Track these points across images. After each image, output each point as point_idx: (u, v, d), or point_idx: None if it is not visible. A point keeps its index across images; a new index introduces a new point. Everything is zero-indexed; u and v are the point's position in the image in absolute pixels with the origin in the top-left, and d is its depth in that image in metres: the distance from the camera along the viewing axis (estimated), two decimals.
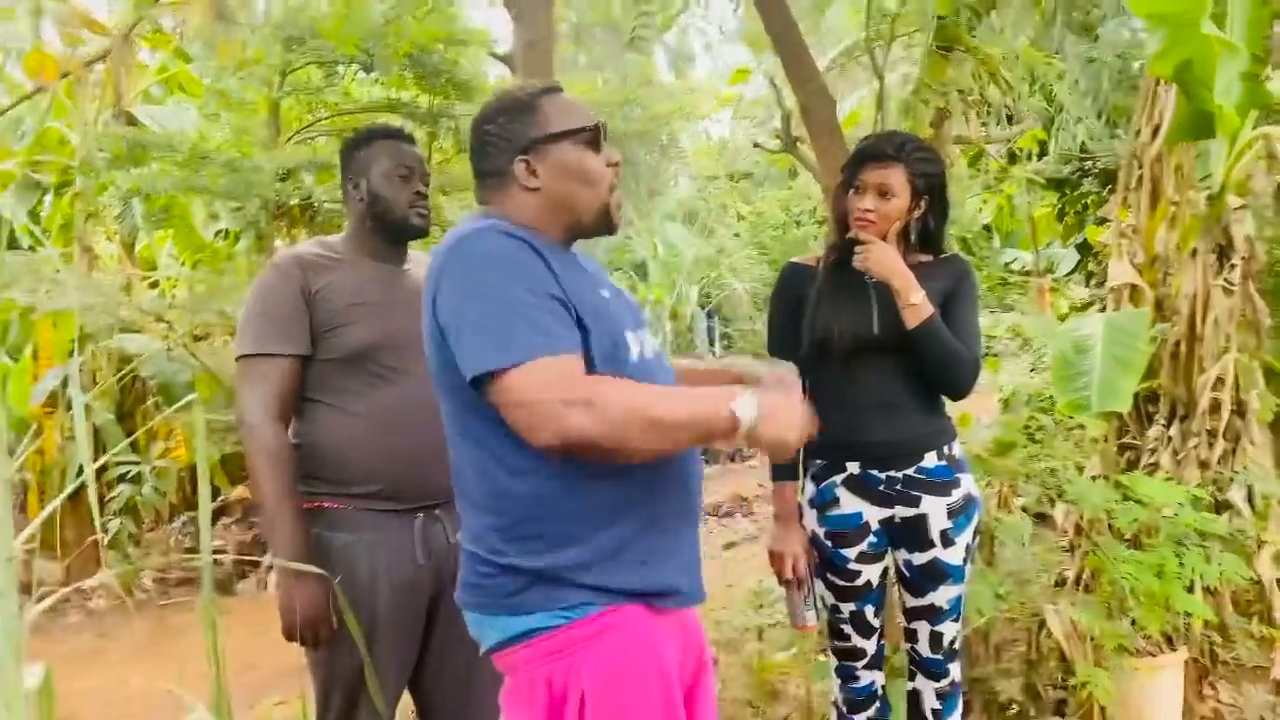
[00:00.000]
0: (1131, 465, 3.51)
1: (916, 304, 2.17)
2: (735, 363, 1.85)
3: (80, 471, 7.22)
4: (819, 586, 2.37)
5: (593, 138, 1.67)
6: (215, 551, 7.35)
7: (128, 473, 6.79)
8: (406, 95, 7.12)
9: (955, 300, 2.28)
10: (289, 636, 2.08)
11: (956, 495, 2.29)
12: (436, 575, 2.17)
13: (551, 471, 1.53)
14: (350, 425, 2.12)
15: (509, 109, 1.67)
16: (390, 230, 2.24)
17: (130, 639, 5.86)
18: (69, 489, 1.90)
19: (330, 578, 2.00)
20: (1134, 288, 3.63)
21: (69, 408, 7.49)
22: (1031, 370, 5.40)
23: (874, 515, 2.30)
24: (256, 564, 6.77)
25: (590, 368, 1.51)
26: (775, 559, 2.34)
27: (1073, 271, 8.07)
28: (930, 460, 2.28)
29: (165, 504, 7.55)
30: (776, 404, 1.51)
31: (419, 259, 2.37)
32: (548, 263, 1.53)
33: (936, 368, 2.22)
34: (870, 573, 2.33)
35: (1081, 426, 3.58)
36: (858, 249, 2.22)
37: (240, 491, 7.32)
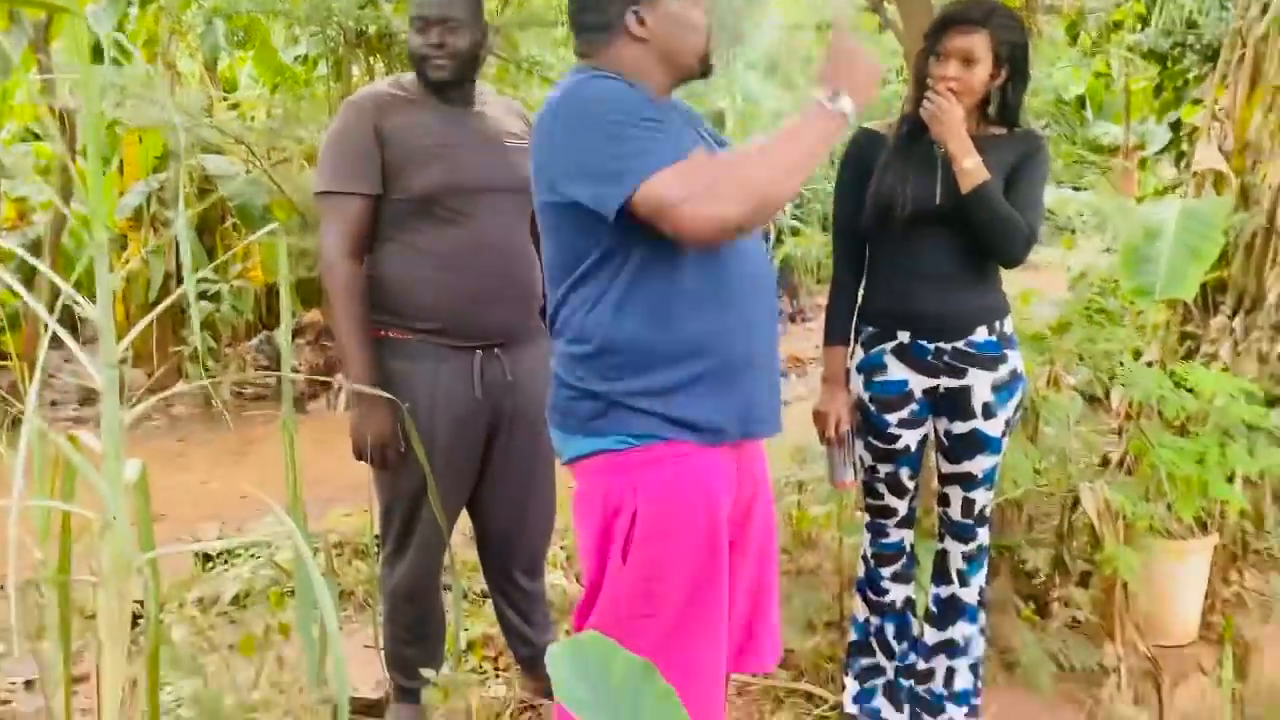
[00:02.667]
0: (1190, 354, 3.50)
1: (969, 170, 2.17)
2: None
3: (163, 284, 7.55)
4: (859, 447, 2.46)
5: None
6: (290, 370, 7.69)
7: (207, 290, 7.06)
8: None
9: (1021, 172, 2.27)
10: (358, 456, 2.26)
11: (1003, 370, 2.33)
12: (493, 409, 2.32)
13: (634, 309, 1.70)
14: (415, 263, 2.23)
15: None
16: (423, 78, 2.29)
17: (210, 446, 6.24)
18: (163, 304, 2.05)
19: (398, 404, 2.14)
20: (1219, 174, 3.53)
21: (153, 222, 7.76)
22: (1105, 251, 5.30)
23: (919, 384, 2.37)
24: (328, 384, 7.09)
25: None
26: (819, 418, 2.43)
27: (1163, 150, 7.77)
28: (980, 335, 2.32)
29: (242, 322, 7.88)
30: (846, 73, 1.64)
31: (496, 103, 2.44)
32: (648, 107, 1.66)
33: (987, 234, 2.22)
34: (910, 438, 2.41)
35: (1144, 314, 3.56)
36: (929, 99, 2.21)
37: (313, 315, 7.58)
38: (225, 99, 8.77)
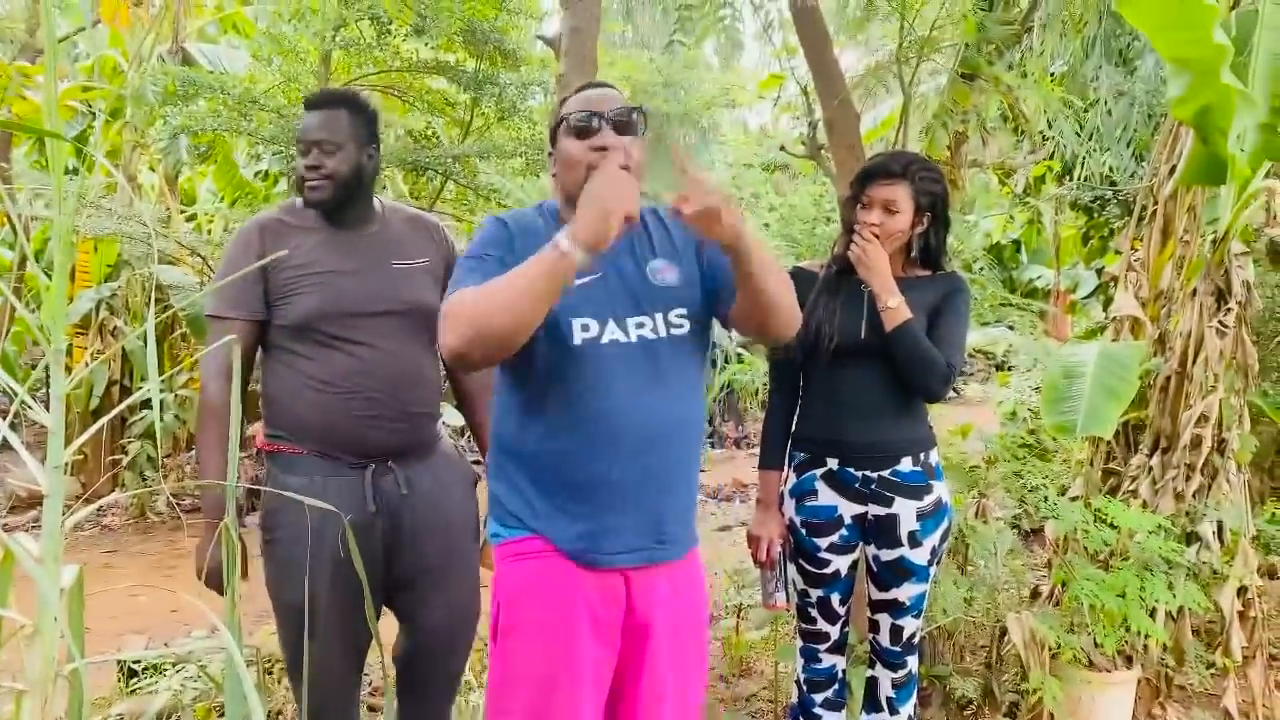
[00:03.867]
0: (1113, 490, 3.64)
1: (893, 308, 2.32)
2: None
3: (106, 392, 7.46)
4: (791, 571, 2.52)
5: (575, 126, 1.82)
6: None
7: (151, 399, 6.99)
8: (453, 58, 7.24)
9: (942, 312, 2.42)
10: (201, 579, 2.25)
11: (928, 500, 2.43)
12: (390, 522, 2.29)
13: (510, 413, 1.87)
14: (298, 384, 2.25)
15: (555, 114, 1.95)
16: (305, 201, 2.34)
17: (141, 558, 6.09)
18: (112, 412, 2.08)
19: (235, 540, 2.12)
20: (1135, 320, 3.74)
21: (100, 330, 7.72)
22: (1036, 389, 5.51)
23: (848, 510, 2.45)
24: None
25: (533, 342, 1.70)
26: (753, 541, 2.50)
27: (1092, 294, 8.14)
28: (906, 465, 2.43)
29: (184, 432, 7.78)
30: (582, 210, 1.63)
31: (399, 220, 2.44)
32: (513, 236, 1.85)
33: (908, 369, 2.35)
34: (840, 563, 2.49)
35: (1072, 451, 3.70)
36: (854, 241, 2.37)
37: (257, 427, 7.51)
38: (183, 211, 8.86)
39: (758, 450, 2.59)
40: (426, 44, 6.98)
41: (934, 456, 2.50)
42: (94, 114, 8.87)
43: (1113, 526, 3.11)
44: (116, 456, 7.19)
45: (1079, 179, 5.84)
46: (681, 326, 1.88)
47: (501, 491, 1.89)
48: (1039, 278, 12.17)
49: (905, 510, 2.42)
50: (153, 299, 2.06)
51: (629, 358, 1.81)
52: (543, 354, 1.77)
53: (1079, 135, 4.28)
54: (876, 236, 2.37)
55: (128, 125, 7.76)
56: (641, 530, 1.83)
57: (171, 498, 7.18)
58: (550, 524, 1.82)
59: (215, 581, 2.20)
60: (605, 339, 1.80)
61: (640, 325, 1.83)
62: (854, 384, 2.42)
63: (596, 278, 1.82)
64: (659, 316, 1.85)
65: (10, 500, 6.88)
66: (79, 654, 1.50)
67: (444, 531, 2.37)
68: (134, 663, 3.61)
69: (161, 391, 7.05)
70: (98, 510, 6.83)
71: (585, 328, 1.79)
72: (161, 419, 6.94)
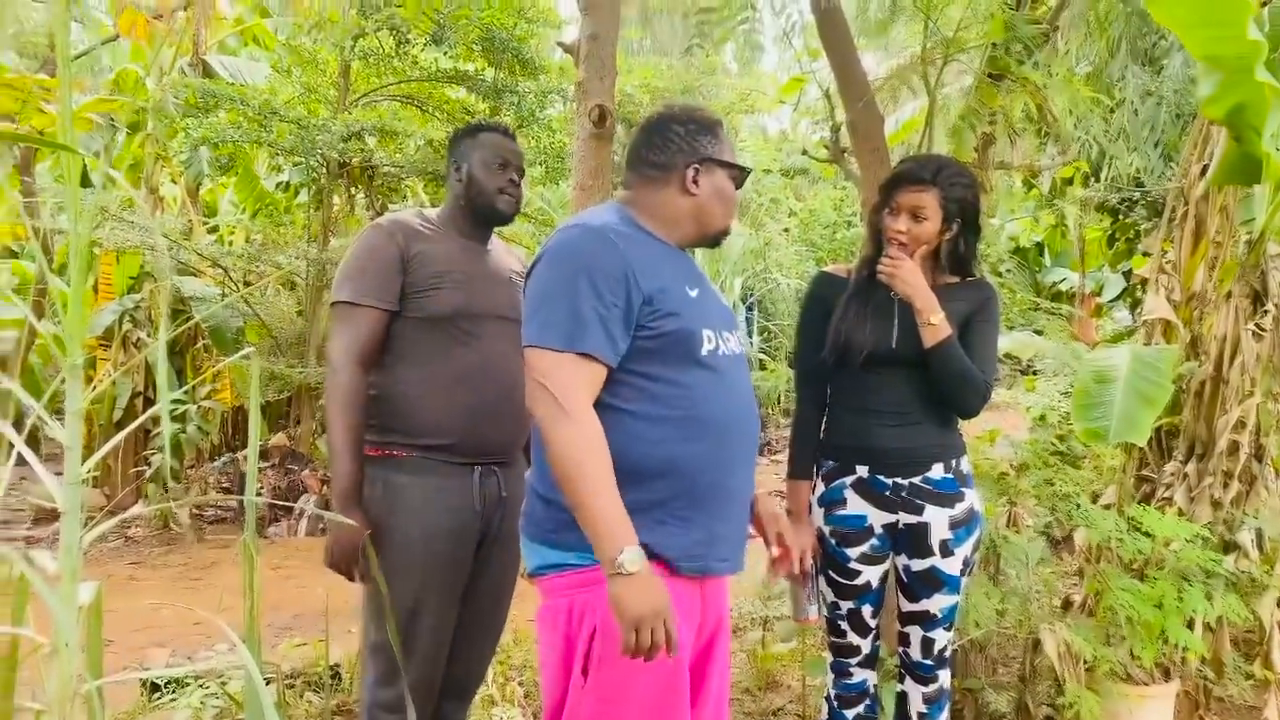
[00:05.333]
0: (1147, 498, 3.56)
1: (935, 324, 2.27)
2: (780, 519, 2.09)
3: (129, 404, 7.49)
4: (821, 583, 2.47)
5: (742, 178, 2.01)
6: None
7: (174, 411, 7.03)
8: (472, 68, 7.25)
9: (975, 323, 2.37)
10: (331, 566, 2.29)
11: (959, 508, 2.38)
12: (485, 524, 2.40)
13: (606, 428, 1.75)
14: (427, 380, 2.33)
15: (698, 121, 1.97)
16: (481, 211, 2.47)
17: (165, 570, 6.09)
18: (131, 425, 2.06)
19: (362, 528, 2.19)
20: (1167, 323, 3.67)
21: (124, 342, 7.76)
22: (1065, 394, 5.43)
23: (878, 519, 2.40)
24: (289, 509, 7.00)
25: (660, 350, 1.78)
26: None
27: (1118, 297, 8.03)
28: (937, 472, 2.37)
29: (207, 443, 7.81)
30: (642, 591, 1.64)
31: (499, 244, 2.62)
32: (631, 260, 1.78)
33: (947, 387, 2.31)
34: (870, 574, 2.43)
35: (1104, 457, 3.63)
36: (883, 263, 2.32)
37: (279, 439, 7.54)
38: (205, 223, 8.91)
39: (779, 458, 2.54)
40: (445, 53, 6.99)
41: (965, 464, 2.44)
42: (116, 127, 8.94)
43: (1148, 535, 3.04)
44: (141, 468, 7.21)
45: (1106, 180, 5.76)
46: (743, 344, 2.02)
47: None
48: (1063, 280, 12.04)
49: (937, 519, 2.36)
50: (165, 313, 2.03)
51: (734, 370, 1.90)
52: (673, 364, 1.80)
53: (1106, 136, 4.21)
54: (904, 245, 2.32)
55: (150, 138, 7.81)
56: (738, 538, 1.91)
57: (194, 509, 7.20)
58: (658, 533, 1.77)
59: (343, 567, 2.26)
60: (720, 351, 1.87)
61: (728, 340, 1.92)
62: (884, 390, 2.37)
63: (702, 292, 1.90)
64: (738, 333, 2.00)
65: (34, 514, 6.92)
66: (95, 673, 1.48)
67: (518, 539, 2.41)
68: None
69: (184, 403, 7.08)
70: (122, 523, 6.84)
71: (709, 339, 1.85)
72: (184, 430, 6.95)
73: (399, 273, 2.33)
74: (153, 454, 7.00)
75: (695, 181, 1.92)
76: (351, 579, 2.29)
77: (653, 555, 1.77)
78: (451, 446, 2.33)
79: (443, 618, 2.35)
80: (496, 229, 2.58)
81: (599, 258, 1.76)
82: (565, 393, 1.70)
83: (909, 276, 2.29)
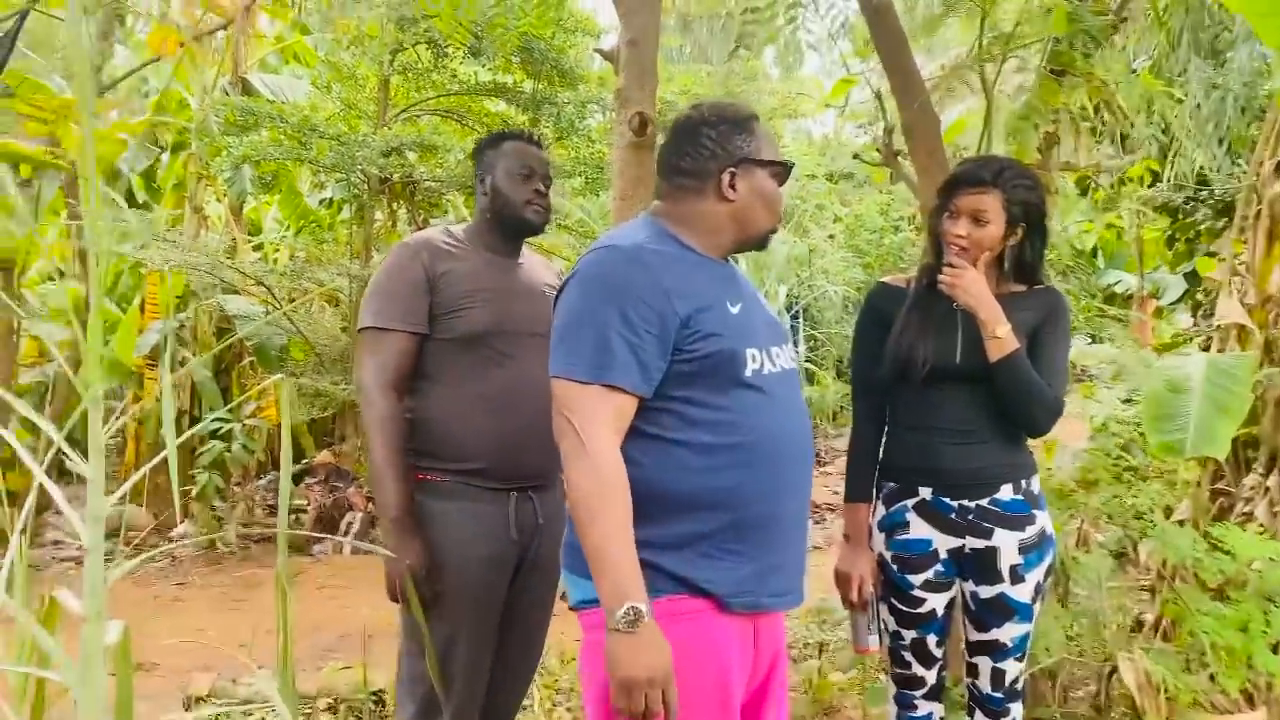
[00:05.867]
0: (1223, 512, 3.38)
1: (1001, 337, 2.12)
2: None
3: (178, 421, 7.51)
4: (882, 610, 2.34)
5: (785, 174, 1.86)
6: (296, 512, 7.58)
7: (220, 429, 7.04)
8: (511, 79, 7.20)
9: (1044, 334, 2.22)
10: (392, 597, 2.23)
11: (1030, 531, 2.23)
12: (522, 550, 2.31)
13: (643, 455, 1.65)
14: (460, 403, 2.25)
15: (730, 121, 1.82)
16: (508, 224, 2.38)
17: (211, 590, 6.08)
18: (170, 442, 2.00)
19: (427, 548, 2.15)
20: (1242, 328, 3.49)
21: (170, 361, 7.80)
22: (1125, 401, 5.22)
23: (943, 543, 2.26)
24: (334, 528, 6.97)
25: (701, 374, 1.67)
26: (841, 580, 2.32)
27: (1179, 300, 7.78)
28: (1006, 493, 2.23)
29: (253, 461, 7.81)
30: (640, 652, 1.54)
31: (532, 257, 2.52)
32: (665, 281, 1.67)
33: (1015, 404, 2.17)
34: (935, 601, 2.29)
35: (1174, 470, 3.45)
36: (944, 273, 2.18)
37: (324, 456, 7.52)
38: (250, 241, 8.95)
39: (829, 470, 2.41)
40: (484, 66, 6.95)
41: (1035, 483, 2.29)
42: (162, 148, 9.02)
43: (1228, 554, 2.86)
44: (187, 487, 7.23)
45: (1169, 179, 5.55)
46: (794, 359, 1.88)
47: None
48: (1118, 283, 11.72)
49: (1006, 542, 2.22)
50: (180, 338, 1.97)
51: (783, 388, 1.78)
52: (715, 387, 1.69)
53: (1170, 132, 4.02)
54: (965, 249, 2.18)
55: (192, 157, 7.85)
56: (794, 570, 1.80)
57: (241, 527, 7.20)
58: (705, 568, 1.67)
59: (399, 594, 2.19)
60: (765, 369, 1.76)
61: (777, 356, 1.80)
62: (948, 407, 2.23)
63: (745, 307, 1.79)
64: (787, 347, 1.87)
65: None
66: (124, 716, 1.41)
67: (558, 566, 2.31)
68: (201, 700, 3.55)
69: (229, 421, 7.08)
70: (168, 541, 6.86)
71: (754, 358, 1.74)
72: (229, 449, 6.95)
73: (426, 293, 2.25)
74: (199, 473, 7.01)
75: (733, 186, 1.80)
76: (425, 605, 2.18)
77: (701, 592, 1.66)
78: (486, 471, 2.25)
79: (480, 647, 2.28)
80: (529, 241, 2.49)
81: (630, 281, 1.66)
82: (587, 428, 1.60)
83: (971, 286, 2.15)
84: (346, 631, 4.97)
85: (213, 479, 6.95)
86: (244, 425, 7.25)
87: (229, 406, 7.17)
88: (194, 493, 7.01)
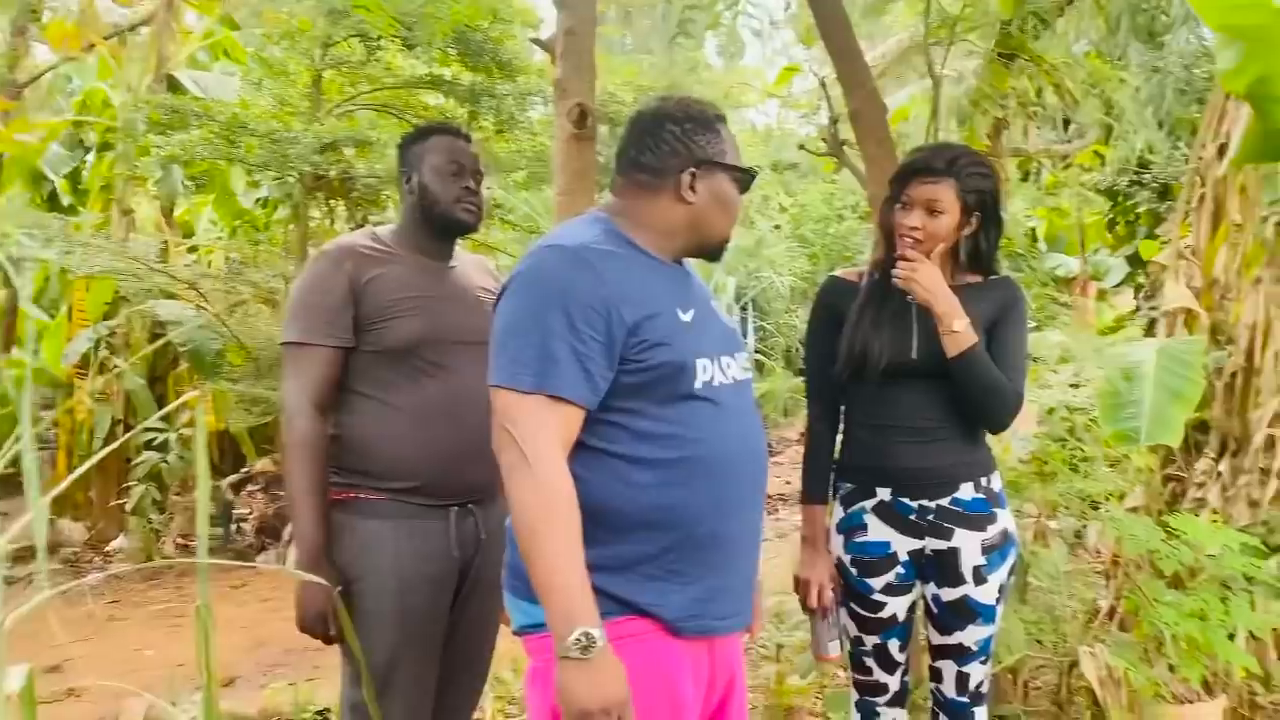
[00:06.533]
0: (1176, 498, 3.37)
1: (958, 331, 2.05)
2: None
3: (111, 431, 7.26)
4: (843, 616, 2.26)
5: (748, 182, 1.76)
6: (238, 520, 7.37)
7: (155, 439, 6.80)
8: (448, 72, 7.04)
9: (1002, 327, 2.15)
10: (301, 628, 2.11)
11: (992, 531, 2.17)
12: (464, 567, 2.20)
13: (584, 470, 1.55)
14: (391, 418, 2.13)
15: (695, 119, 1.72)
16: (437, 223, 2.25)
17: (148, 608, 5.86)
18: (96, 456, 1.88)
19: (332, 585, 2.00)
20: (1189, 312, 3.47)
21: (101, 369, 7.53)
22: (1074, 386, 5.22)
23: (903, 545, 2.19)
24: (276, 536, 6.77)
25: (648, 385, 1.57)
26: (801, 585, 2.24)
27: (1121, 283, 7.85)
28: (966, 492, 2.16)
29: (191, 472, 7.57)
30: (595, 682, 1.45)
31: (466, 258, 2.39)
32: (612, 285, 1.56)
33: (975, 400, 2.10)
34: (896, 606, 2.22)
35: (1126, 455, 3.43)
36: (899, 266, 2.10)
37: (265, 463, 7.31)
38: (182, 243, 8.67)
39: (780, 458, 2.33)
40: (420, 58, 6.78)
41: (996, 481, 2.22)
42: (87, 149, 8.71)
43: (1187, 544, 2.83)
44: (123, 500, 6.98)
45: (1112, 162, 5.56)
46: (748, 369, 1.78)
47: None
48: (1059, 266, 11.86)
49: (968, 543, 2.15)
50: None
51: (735, 401, 1.69)
52: (662, 399, 1.59)
53: (1113, 115, 4.02)
54: (919, 241, 2.11)
55: (120, 158, 7.57)
56: (743, 590, 1.71)
57: (179, 540, 6.97)
58: (651, 590, 1.58)
59: (316, 630, 2.08)
60: (716, 381, 1.65)
61: (729, 366, 1.70)
62: (904, 404, 2.15)
63: (697, 314, 1.67)
64: (740, 356, 1.75)
65: (15, 551, 6.68)
66: None
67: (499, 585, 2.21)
68: None
69: (164, 430, 6.84)
70: (103, 558, 6.63)
71: (704, 369, 1.63)
72: (165, 459, 6.72)
73: (350, 304, 2.11)
74: (135, 485, 6.77)
75: (692, 187, 1.69)
76: (328, 642, 2.09)
77: (648, 615, 1.57)
78: (422, 488, 2.12)
79: (423, 670, 2.16)
80: (468, 238, 2.36)
81: (574, 285, 1.54)
82: (530, 440, 1.49)
83: (926, 280, 2.07)
84: (292, 645, 4.81)
85: (149, 491, 6.72)
86: (180, 435, 7.01)
87: (161, 413, 6.93)
88: (129, 506, 6.77)
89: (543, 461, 1.49)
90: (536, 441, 1.49)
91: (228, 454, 8.15)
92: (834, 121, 3.07)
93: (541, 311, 1.53)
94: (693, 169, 1.68)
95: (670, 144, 1.69)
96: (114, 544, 6.94)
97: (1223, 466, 3.22)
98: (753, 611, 1.76)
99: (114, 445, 1.72)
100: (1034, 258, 12.41)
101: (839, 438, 2.30)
